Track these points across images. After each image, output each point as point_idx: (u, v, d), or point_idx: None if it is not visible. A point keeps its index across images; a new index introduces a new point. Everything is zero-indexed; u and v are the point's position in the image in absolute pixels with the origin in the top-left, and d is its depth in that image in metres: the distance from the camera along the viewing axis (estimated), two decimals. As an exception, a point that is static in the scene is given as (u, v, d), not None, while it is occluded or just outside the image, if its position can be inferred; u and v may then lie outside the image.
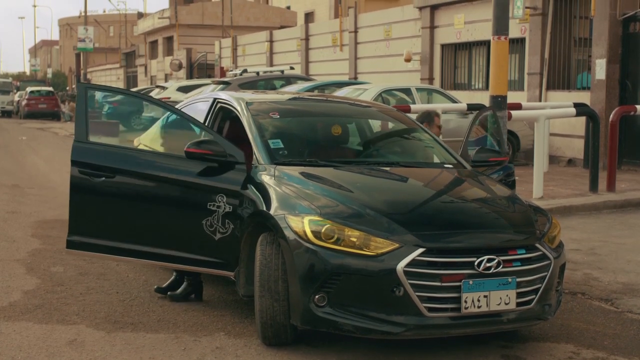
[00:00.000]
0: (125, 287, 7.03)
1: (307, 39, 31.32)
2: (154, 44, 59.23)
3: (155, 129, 7.50)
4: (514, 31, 17.57)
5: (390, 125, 7.58)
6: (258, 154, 6.17)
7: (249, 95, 7.45)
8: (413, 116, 8.54)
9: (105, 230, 6.26)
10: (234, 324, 6.05)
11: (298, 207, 5.36)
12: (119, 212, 6.27)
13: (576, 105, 13.74)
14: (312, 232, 5.11)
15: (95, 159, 6.22)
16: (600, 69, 15.91)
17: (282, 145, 6.35)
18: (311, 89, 17.31)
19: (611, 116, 12.67)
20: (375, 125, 7.56)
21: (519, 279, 5.21)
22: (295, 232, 5.17)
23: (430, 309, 5.01)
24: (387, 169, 6.43)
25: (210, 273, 6.31)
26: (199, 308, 6.47)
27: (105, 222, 6.27)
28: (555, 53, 17.85)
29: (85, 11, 51.15)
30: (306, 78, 22.75)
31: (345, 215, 5.22)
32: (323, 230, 5.09)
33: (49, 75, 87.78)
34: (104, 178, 6.19)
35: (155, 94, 26.29)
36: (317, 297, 5.06)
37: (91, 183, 6.18)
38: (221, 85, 18.60)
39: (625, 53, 15.83)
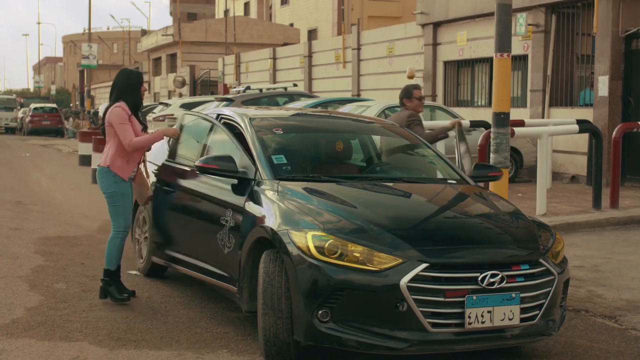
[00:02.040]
0: (128, 304, 7.01)
1: (310, 56, 31.40)
2: (157, 60, 59.40)
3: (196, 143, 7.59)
4: (517, 48, 17.60)
5: (394, 141, 7.59)
6: (261, 169, 6.18)
7: (252, 111, 7.50)
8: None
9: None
10: (237, 341, 6.03)
11: (301, 222, 5.36)
12: (168, 221, 7.42)
13: (579, 122, 13.75)
14: (316, 247, 5.10)
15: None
16: (602, 85, 15.93)
17: (285, 161, 6.37)
18: (314, 106, 17.34)
19: (614, 133, 12.66)
20: (379, 141, 7.56)
21: (522, 295, 5.20)
22: (299, 248, 5.16)
23: (433, 325, 5.01)
24: (391, 184, 6.44)
25: (221, 286, 6.33)
26: (202, 325, 6.46)
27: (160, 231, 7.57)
28: (557, 70, 17.88)
29: (89, 28, 51.24)
30: (309, 95, 22.79)
31: (349, 231, 5.22)
32: (326, 246, 5.09)
33: (53, 92, 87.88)
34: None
35: (158, 110, 26.35)
36: (320, 312, 5.05)
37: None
38: (224, 102, 18.62)
39: (628, 70, 15.84)
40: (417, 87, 9.11)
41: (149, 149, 7.43)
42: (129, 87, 7.05)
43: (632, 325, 6.71)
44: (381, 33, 26.38)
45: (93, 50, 49.25)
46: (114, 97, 7.05)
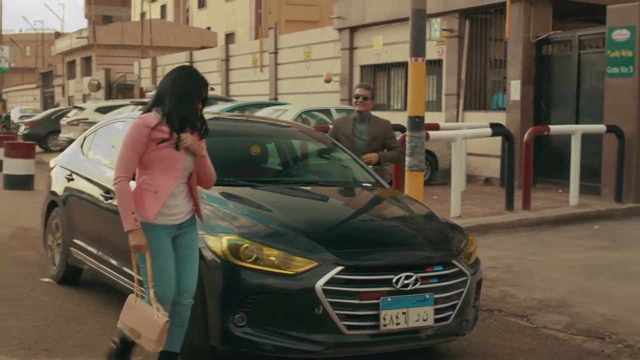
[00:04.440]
0: (40, 313, 6.85)
1: (227, 59, 31.29)
2: (71, 64, 58.33)
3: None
4: (432, 53, 17.85)
5: (310, 145, 7.61)
6: (176, 174, 6.11)
7: (167, 115, 7.40)
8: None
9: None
10: (152, 346, 5.95)
11: (217, 227, 5.33)
12: (88, 226, 7.24)
13: (492, 125, 14.03)
14: (231, 251, 5.08)
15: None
16: (515, 90, 16.27)
17: (200, 165, 6.30)
18: (231, 110, 17.28)
19: (525, 136, 12.96)
20: (296, 145, 7.58)
21: (436, 296, 5.27)
22: (214, 252, 5.14)
23: (349, 327, 5.03)
24: (307, 188, 6.45)
25: (140, 291, 6.20)
26: (117, 333, 6.34)
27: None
28: (471, 74, 18.20)
29: (0, 30, 49.99)
30: (226, 99, 22.73)
31: (264, 235, 5.21)
32: (242, 250, 5.07)
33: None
34: None
35: (72, 114, 25.90)
36: (236, 317, 5.02)
37: None
38: (140, 106, 18.42)
39: (539, 74, 16.22)
40: (360, 85, 8.56)
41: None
42: (174, 89, 4.82)
43: (543, 323, 6.88)
44: (298, 37, 26.46)
45: (5, 53, 47.84)
46: (152, 103, 4.93)
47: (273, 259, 5.05)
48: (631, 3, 13.49)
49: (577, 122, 14.87)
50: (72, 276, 7.88)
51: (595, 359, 6.03)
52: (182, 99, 4.76)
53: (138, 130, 4.73)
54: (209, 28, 52.90)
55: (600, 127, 13.64)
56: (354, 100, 8.16)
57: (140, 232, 4.68)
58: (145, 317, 4.69)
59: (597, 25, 15.38)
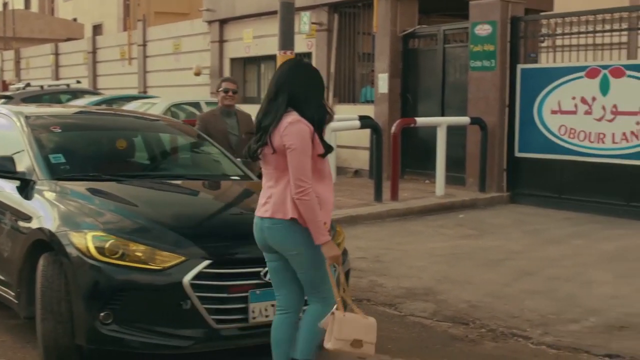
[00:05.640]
0: None
1: (94, 52, 30.60)
2: None
3: None
4: (301, 46, 17.95)
5: (178, 139, 7.54)
6: (38, 169, 5.96)
7: (28, 109, 7.26)
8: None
9: None
10: (15, 349, 5.78)
11: (81, 223, 5.22)
12: None
13: (361, 118, 14.21)
14: (96, 248, 4.98)
15: None
16: (382, 83, 16.53)
17: (63, 160, 6.17)
18: (99, 103, 16.94)
19: (393, 128, 13.21)
20: (163, 139, 7.49)
21: (304, 287, 5.30)
22: (78, 249, 5.02)
23: (218, 321, 5.01)
24: (176, 182, 6.40)
25: (3, 293, 6.01)
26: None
27: None
28: (340, 68, 18.40)
29: None
30: (93, 92, 22.25)
31: (130, 230, 5.13)
32: (107, 246, 4.98)
33: None
34: None
35: None
36: (102, 314, 4.93)
37: None
38: (2, 100, 17.82)
39: (406, 68, 16.53)
40: (228, 79, 8.54)
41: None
42: (311, 91, 4.56)
43: (410, 311, 7.05)
44: (167, 29, 26.14)
45: None
46: (285, 103, 4.47)
47: (139, 254, 4.98)
48: (492, -1, 13.92)
49: (442, 115, 15.23)
50: None
51: (460, 344, 6.23)
52: (320, 103, 4.56)
53: (307, 131, 4.42)
54: (75, 19, 51.57)
55: (465, 119, 14.02)
56: (221, 94, 8.11)
57: (333, 243, 4.56)
58: (360, 324, 4.59)
59: (461, 20, 15.80)
